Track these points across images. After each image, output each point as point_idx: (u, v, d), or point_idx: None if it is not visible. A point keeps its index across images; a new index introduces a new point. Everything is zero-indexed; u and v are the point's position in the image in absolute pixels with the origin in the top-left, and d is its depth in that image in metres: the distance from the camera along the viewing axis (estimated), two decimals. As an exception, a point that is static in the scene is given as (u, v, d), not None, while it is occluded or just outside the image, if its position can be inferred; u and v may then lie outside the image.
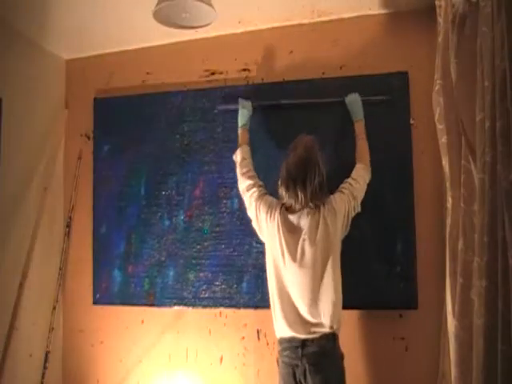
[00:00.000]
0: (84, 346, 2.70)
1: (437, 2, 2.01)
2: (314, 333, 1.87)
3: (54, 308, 2.66)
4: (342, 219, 1.98)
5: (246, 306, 2.43)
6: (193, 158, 2.58)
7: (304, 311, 1.90)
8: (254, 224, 2.12)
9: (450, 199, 1.90)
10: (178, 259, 2.54)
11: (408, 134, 2.30)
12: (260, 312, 2.41)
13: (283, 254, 1.95)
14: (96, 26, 2.49)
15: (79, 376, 2.69)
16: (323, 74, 2.45)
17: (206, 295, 2.49)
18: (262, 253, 2.40)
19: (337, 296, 1.91)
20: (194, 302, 2.50)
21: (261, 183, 2.16)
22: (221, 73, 2.61)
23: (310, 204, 1.95)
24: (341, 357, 1.92)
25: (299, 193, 1.93)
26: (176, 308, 2.54)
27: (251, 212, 2.12)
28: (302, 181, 1.93)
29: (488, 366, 1.32)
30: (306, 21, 2.48)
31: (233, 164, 2.51)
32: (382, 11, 2.38)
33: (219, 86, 2.59)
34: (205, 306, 2.49)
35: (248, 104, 2.34)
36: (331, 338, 1.88)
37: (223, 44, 2.61)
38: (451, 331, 1.81)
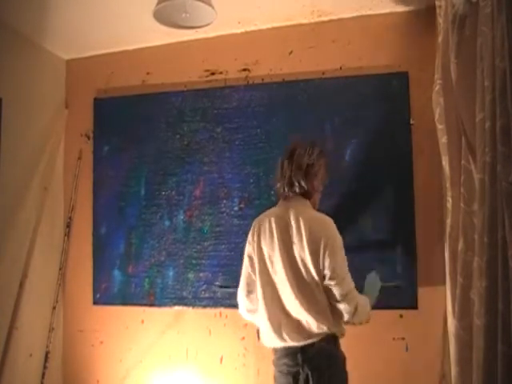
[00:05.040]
0: (84, 346, 2.70)
1: (437, 2, 2.01)
2: (312, 337, 1.76)
3: (54, 308, 2.66)
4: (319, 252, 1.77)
5: (246, 306, 2.43)
6: (193, 158, 2.58)
7: (298, 318, 1.78)
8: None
9: (449, 199, 1.90)
10: (177, 259, 2.54)
11: (408, 133, 2.30)
12: (260, 312, 2.41)
13: (272, 260, 1.84)
14: (96, 26, 2.49)
15: (79, 376, 2.69)
16: (323, 74, 2.45)
17: (206, 295, 2.49)
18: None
19: (322, 302, 1.79)
20: (194, 302, 2.50)
21: None
22: (221, 73, 2.61)
23: (294, 181, 1.85)
24: (343, 359, 1.83)
25: (285, 163, 1.88)
26: (176, 308, 2.54)
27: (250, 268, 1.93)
28: (289, 155, 1.89)
29: (488, 366, 1.32)
30: (305, 21, 2.48)
31: (233, 164, 2.53)
32: (382, 11, 2.38)
33: (219, 86, 2.59)
34: (205, 306, 2.49)
35: None
36: (331, 339, 1.79)
37: (223, 44, 2.61)
38: (451, 331, 1.81)
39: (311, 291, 1.78)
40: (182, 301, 2.52)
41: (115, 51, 2.78)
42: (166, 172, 2.61)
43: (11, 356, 2.39)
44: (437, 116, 1.96)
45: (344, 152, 2.34)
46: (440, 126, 1.94)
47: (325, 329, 1.76)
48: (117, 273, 2.63)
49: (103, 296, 2.65)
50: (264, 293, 1.85)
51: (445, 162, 1.93)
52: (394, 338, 2.26)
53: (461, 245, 1.71)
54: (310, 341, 1.76)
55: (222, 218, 2.51)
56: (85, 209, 2.74)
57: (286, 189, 1.88)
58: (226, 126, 2.54)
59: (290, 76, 2.49)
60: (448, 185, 1.92)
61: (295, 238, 1.81)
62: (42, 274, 2.64)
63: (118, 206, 2.67)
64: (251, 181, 2.48)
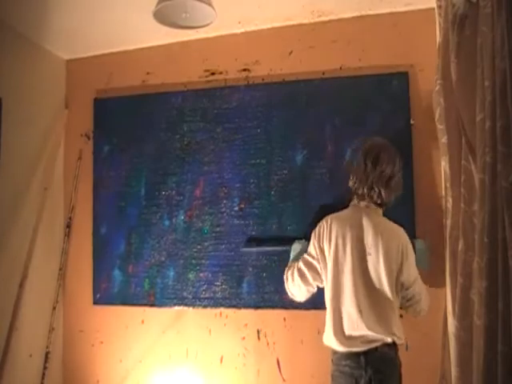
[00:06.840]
0: (84, 346, 2.70)
1: (437, 2, 2.02)
2: (376, 342, 1.82)
3: (54, 308, 2.66)
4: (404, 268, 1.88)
5: (247, 306, 2.43)
6: (193, 158, 2.58)
7: (364, 325, 1.83)
8: (317, 265, 1.99)
9: (450, 199, 1.90)
10: (178, 259, 2.54)
11: (408, 133, 2.30)
12: (260, 312, 2.41)
13: (344, 267, 1.88)
14: (96, 26, 2.49)
15: (79, 376, 2.69)
16: (323, 74, 2.45)
17: (206, 295, 2.49)
18: (262, 253, 2.40)
19: (396, 315, 1.88)
20: (194, 302, 2.50)
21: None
22: (221, 73, 2.61)
23: (374, 188, 1.89)
24: (400, 365, 1.88)
25: (369, 165, 1.90)
26: (176, 308, 2.54)
27: (313, 267, 1.98)
28: (374, 159, 1.91)
29: (488, 366, 1.32)
30: (305, 21, 2.48)
31: (232, 163, 2.52)
32: (382, 11, 2.38)
33: (219, 86, 2.59)
34: (205, 306, 2.49)
35: (304, 244, 2.16)
36: (393, 346, 1.85)
37: (223, 44, 2.61)
38: (451, 331, 1.81)
39: (380, 302, 1.85)
40: (182, 301, 2.52)
41: (115, 51, 2.78)
42: (166, 172, 2.61)
43: (11, 356, 2.39)
44: (437, 116, 1.96)
45: (344, 152, 2.34)
46: (440, 126, 1.94)
47: (388, 339, 1.83)
48: (117, 273, 2.63)
49: (103, 296, 2.65)
50: (331, 300, 1.90)
51: (445, 162, 1.93)
52: (394, 338, 2.26)
53: (461, 245, 1.71)
54: (373, 346, 1.81)
55: (222, 217, 2.51)
56: (85, 209, 2.74)
57: (365, 191, 1.92)
58: (225, 126, 2.54)
59: (290, 76, 2.49)
60: (448, 185, 1.92)
61: (371, 250, 1.87)
62: (42, 273, 2.63)
63: (118, 206, 2.67)
64: (251, 181, 2.48)
